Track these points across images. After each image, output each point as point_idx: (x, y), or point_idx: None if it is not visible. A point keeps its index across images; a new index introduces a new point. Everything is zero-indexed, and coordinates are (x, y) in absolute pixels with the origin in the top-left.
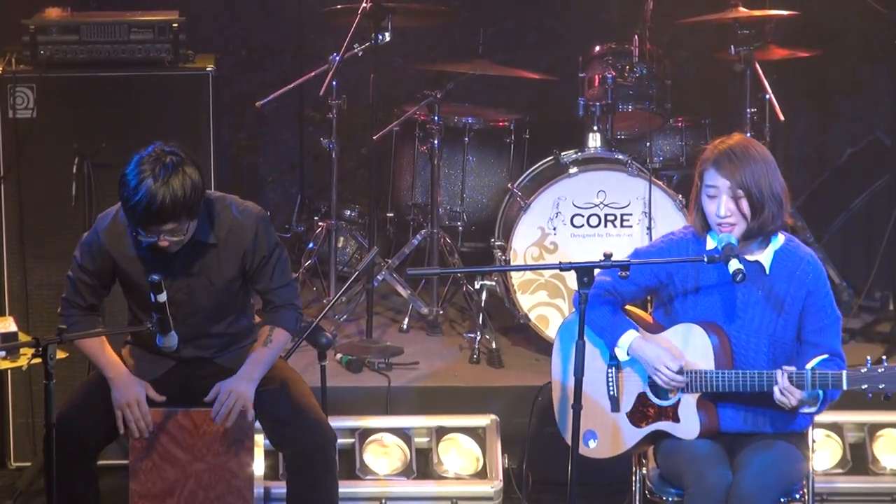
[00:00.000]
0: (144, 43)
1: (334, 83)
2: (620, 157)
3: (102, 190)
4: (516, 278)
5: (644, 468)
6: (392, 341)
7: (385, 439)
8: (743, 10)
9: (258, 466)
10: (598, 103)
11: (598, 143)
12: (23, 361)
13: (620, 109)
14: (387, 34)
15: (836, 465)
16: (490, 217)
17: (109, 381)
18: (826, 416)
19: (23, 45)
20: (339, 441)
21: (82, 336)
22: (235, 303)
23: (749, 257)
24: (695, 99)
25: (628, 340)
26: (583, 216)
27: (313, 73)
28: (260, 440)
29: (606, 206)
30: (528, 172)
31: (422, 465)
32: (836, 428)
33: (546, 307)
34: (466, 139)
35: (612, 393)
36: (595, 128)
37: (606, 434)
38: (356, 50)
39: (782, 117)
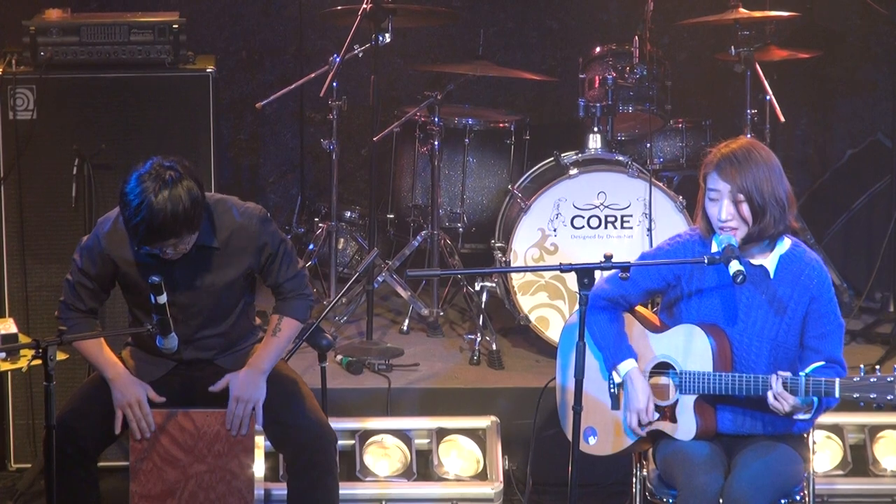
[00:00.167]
0: (145, 44)
1: (335, 84)
2: (621, 158)
3: (102, 191)
4: (517, 280)
5: (644, 469)
6: (392, 343)
7: (385, 441)
8: (743, 12)
9: (259, 468)
10: (598, 104)
11: (599, 145)
12: (23, 363)
13: (621, 110)
14: (387, 35)
15: (837, 466)
16: (490, 218)
17: (110, 382)
18: (827, 418)
19: (23, 47)
20: (340, 442)
21: (82, 337)
22: (236, 305)
23: (753, 261)
24: (695, 100)
25: (626, 369)
26: (583, 217)
27: (314, 75)
28: (260, 441)
29: (607, 207)
30: (528, 174)
31: (422, 466)
32: (836, 429)
33: (546, 308)
34: (467, 140)
35: (612, 391)
36: (595, 129)
37: (606, 431)
38: (356, 51)
39: (783, 118)
